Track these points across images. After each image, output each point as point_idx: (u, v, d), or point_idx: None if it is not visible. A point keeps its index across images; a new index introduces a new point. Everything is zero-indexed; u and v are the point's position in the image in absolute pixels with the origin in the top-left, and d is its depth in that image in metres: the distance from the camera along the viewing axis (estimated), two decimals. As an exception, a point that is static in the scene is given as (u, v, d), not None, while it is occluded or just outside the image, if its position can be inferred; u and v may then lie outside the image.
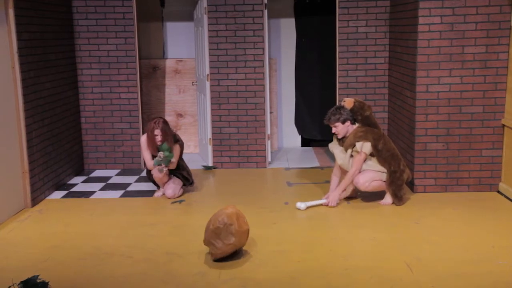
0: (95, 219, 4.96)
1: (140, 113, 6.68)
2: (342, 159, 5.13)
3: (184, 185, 5.60)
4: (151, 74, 7.45)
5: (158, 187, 5.65)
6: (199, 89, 7.04)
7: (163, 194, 5.57)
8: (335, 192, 5.14)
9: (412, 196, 5.45)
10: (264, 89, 6.64)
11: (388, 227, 4.61)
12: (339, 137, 5.16)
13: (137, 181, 6.17)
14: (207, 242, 3.91)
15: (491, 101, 5.34)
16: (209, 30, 6.51)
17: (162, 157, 5.26)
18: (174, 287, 3.60)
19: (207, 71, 6.59)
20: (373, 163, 5.08)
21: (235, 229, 3.85)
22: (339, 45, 6.50)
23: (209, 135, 6.72)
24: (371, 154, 5.06)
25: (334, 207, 5.09)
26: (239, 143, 6.68)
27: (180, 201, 5.40)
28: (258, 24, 6.50)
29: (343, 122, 5.06)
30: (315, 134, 7.74)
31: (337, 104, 5.17)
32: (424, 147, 5.46)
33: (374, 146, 5.00)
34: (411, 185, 5.61)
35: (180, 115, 7.51)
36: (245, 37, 6.53)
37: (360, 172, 5.06)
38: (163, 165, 5.29)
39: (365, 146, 4.99)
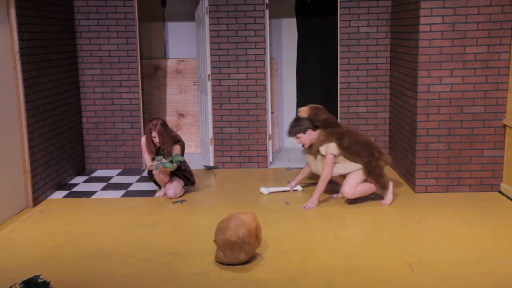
0: (96, 219, 4.96)
1: (142, 113, 6.68)
2: (314, 166, 5.26)
3: (185, 185, 5.61)
4: (153, 74, 7.45)
5: (160, 187, 5.66)
6: (201, 89, 7.04)
7: (165, 194, 5.57)
8: (313, 197, 5.15)
9: (413, 196, 5.45)
10: (266, 89, 6.64)
11: (389, 227, 4.61)
12: (306, 146, 5.26)
13: (138, 181, 6.17)
14: (218, 246, 3.85)
15: (492, 101, 5.34)
16: (210, 30, 6.51)
17: (163, 161, 5.26)
18: (175, 287, 3.60)
19: (209, 71, 6.59)
20: (349, 163, 5.12)
21: (249, 248, 3.82)
22: (340, 45, 6.50)
23: (211, 135, 6.73)
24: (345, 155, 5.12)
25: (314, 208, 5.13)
26: (240, 143, 6.68)
27: (181, 201, 5.40)
28: (259, 24, 6.50)
29: (304, 132, 5.17)
30: (316, 134, 7.73)
31: (296, 116, 5.33)
32: (426, 147, 5.46)
33: (340, 145, 5.05)
34: (412, 185, 5.61)
35: (181, 115, 7.51)
36: (247, 37, 6.53)
37: (331, 174, 5.13)
38: (160, 162, 5.27)
39: (330, 147, 5.05)
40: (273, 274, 3.74)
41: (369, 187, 5.15)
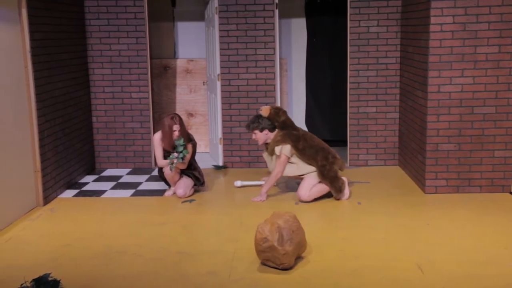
0: (106, 218, 4.98)
1: (151, 112, 6.70)
2: (270, 165, 5.43)
3: (195, 185, 5.61)
4: (162, 73, 7.47)
5: (169, 186, 5.67)
6: (210, 88, 7.05)
7: (174, 193, 5.58)
8: (262, 191, 5.37)
9: (423, 197, 5.43)
10: (275, 89, 6.64)
11: (398, 228, 4.59)
12: (259, 144, 5.46)
13: (148, 180, 6.19)
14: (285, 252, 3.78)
15: (503, 101, 5.30)
16: (220, 30, 6.51)
17: (176, 156, 5.28)
18: (184, 286, 3.61)
19: (218, 71, 6.60)
20: (304, 165, 5.28)
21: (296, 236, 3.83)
22: (350, 45, 6.48)
23: (220, 134, 6.73)
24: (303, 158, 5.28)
25: (263, 201, 5.33)
26: (249, 142, 6.68)
27: (191, 201, 5.41)
28: (269, 24, 6.50)
29: (261, 131, 5.34)
30: (325, 134, 7.71)
31: (257, 113, 5.52)
32: (436, 147, 5.43)
33: (295, 147, 5.22)
34: (422, 185, 5.58)
35: (191, 115, 7.52)
36: (256, 37, 6.53)
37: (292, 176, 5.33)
38: (174, 160, 5.29)
39: (284, 149, 5.22)
40: (282, 274, 3.74)
41: (323, 188, 5.31)
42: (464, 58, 5.26)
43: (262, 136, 5.37)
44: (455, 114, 5.36)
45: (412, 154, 5.97)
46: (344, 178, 5.41)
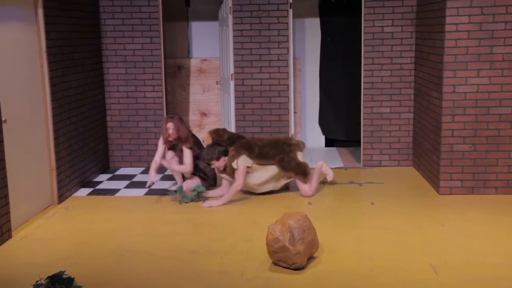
0: (120, 216, 5.01)
1: (165, 112, 6.73)
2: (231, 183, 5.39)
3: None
4: (176, 73, 7.49)
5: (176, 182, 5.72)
6: (223, 88, 7.06)
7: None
8: (220, 200, 5.24)
9: (438, 198, 5.39)
10: (288, 89, 6.63)
11: (413, 229, 4.56)
12: (221, 169, 5.40)
13: (161, 179, 6.22)
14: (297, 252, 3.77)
15: (520, 102, 5.24)
16: (233, 30, 6.52)
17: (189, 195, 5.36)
18: (197, 285, 3.61)
19: (232, 70, 6.61)
20: (265, 167, 5.31)
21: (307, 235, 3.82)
22: (364, 45, 6.45)
23: (233, 134, 6.74)
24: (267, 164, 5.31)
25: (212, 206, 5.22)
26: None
27: (204, 200, 5.40)
28: (282, 24, 6.49)
29: (218, 159, 5.33)
30: (339, 134, 7.70)
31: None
32: (451, 148, 5.38)
33: (251, 154, 5.25)
34: (436, 186, 5.54)
35: (204, 114, 7.54)
36: (270, 36, 6.52)
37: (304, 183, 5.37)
38: (181, 197, 5.36)
39: (240, 160, 5.23)
40: (295, 274, 3.73)
41: (317, 175, 5.43)
42: (480, 58, 5.21)
43: (221, 163, 5.34)
44: (471, 115, 5.31)
45: (426, 154, 5.92)
46: (320, 163, 5.49)
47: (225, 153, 5.34)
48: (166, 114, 6.82)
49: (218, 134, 5.38)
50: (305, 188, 5.37)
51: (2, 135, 4.37)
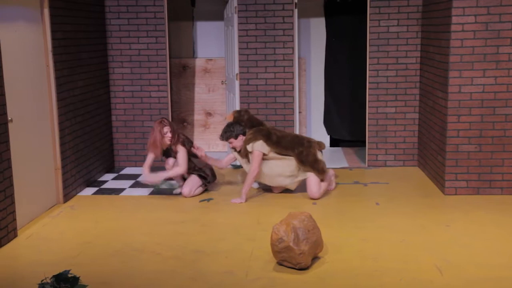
0: (125, 216, 5.02)
1: (170, 111, 6.74)
2: (246, 168, 5.42)
3: (204, 184, 5.61)
4: (181, 73, 7.50)
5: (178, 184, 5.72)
6: (229, 88, 7.07)
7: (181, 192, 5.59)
8: (242, 192, 5.31)
9: (443, 198, 5.37)
10: (293, 89, 6.63)
11: (418, 229, 4.55)
12: (237, 150, 5.44)
13: (165, 179, 6.21)
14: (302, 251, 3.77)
15: (526, 102, 5.22)
16: (239, 29, 6.52)
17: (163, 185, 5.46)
18: (202, 285, 3.62)
19: (237, 70, 6.61)
20: (283, 160, 5.29)
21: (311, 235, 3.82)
22: (369, 45, 6.44)
23: (238, 134, 6.74)
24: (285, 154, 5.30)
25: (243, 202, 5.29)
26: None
27: (208, 200, 5.43)
28: (288, 24, 6.49)
29: (236, 138, 5.37)
30: (344, 134, 7.69)
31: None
32: (456, 148, 5.37)
33: (268, 141, 5.23)
34: (442, 187, 5.52)
35: (209, 114, 7.55)
36: (275, 36, 6.52)
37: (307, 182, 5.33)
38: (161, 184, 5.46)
39: (256, 145, 5.24)
40: (300, 274, 3.73)
41: (327, 182, 5.45)
42: (486, 58, 5.19)
43: (238, 143, 5.37)
44: (476, 115, 5.29)
45: (431, 155, 5.91)
46: (331, 171, 5.53)
47: (244, 133, 5.35)
48: (171, 114, 6.83)
49: (239, 114, 5.41)
50: (314, 189, 5.30)
51: (8, 135, 4.39)
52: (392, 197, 5.43)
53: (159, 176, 5.37)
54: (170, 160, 5.52)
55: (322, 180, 5.37)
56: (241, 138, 5.37)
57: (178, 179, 5.60)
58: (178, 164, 5.40)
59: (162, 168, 6.35)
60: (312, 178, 5.32)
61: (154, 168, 6.67)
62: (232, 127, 5.37)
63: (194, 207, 5.26)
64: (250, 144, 5.26)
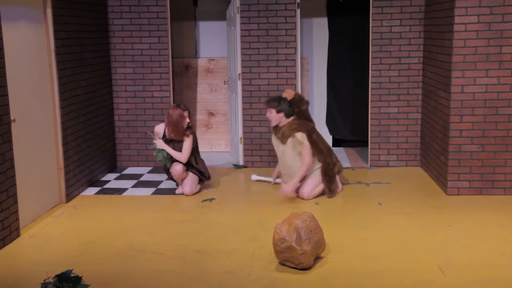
0: (127, 215, 5.03)
1: (172, 111, 6.74)
2: (278, 149, 5.44)
3: (201, 180, 5.62)
4: (184, 73, 7.51)
5: (177, 184, 5.70)
6: (231, 88, 7.07)
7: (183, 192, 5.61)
8: (291, 183, 5.25)
9: (445, 198, 5.36)
10: (296, 89, 6.62)
11: (420, 230, 4.54)
12: (272, 124, 5.44)
13: (168, 179, 6.22)
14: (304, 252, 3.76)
15: (529, 102, 5.21)
16: (241, 29, 6.52)
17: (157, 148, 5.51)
18: (203, 285, 3.62)
19: (239, 70, 6.61)
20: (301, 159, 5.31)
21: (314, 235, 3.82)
22: (372, 45, 6.43)
23: (240, 134, 6.74)
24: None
25: (288, 194, 5.29)
26: (269, 142, 6.67)
27: (211, 199, 5.43)
28: (290, 24, 6.49)
29: (278, 112, 5.33)
30: (346, 134, 7.68)
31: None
32: (459, 148, 5.36)
33: (309, 137, 5.25)
34: (444, 187, 5.51)
35: (211, 114, 7.55)
36: (277, 36, 6.52)
37: (303, 181, 5.33)
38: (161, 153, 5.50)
39: (304, 137, 5.26)
40: (301, 274, 3.73)
41: (322, 189, 5.42)
42: (488, 58, 5.18)
43: (276, 117, 5.36)
44: (479, 115, 5.28)
45: (434, 155, 5.90)
46: (339, 184, 5.57)
47: (287, 113, 5.33)
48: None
49: (300, 100, 5.34)
50: (307, 190, 5.31)
51: (10, 134, 4.40)
52: (394, 197, 5.42)
53: (164, 146, 5.42)
54: (178, 166, 5.49)
55: (328, 195, 5.39)
56: (281, 115, 5.33)
57: (178, 177, 5.59)
58: (182, 151, 5.43)
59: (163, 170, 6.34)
60: (311, 180, 5.34)
61: (158, 169, 6.69)
62: (283, 101, 5.34)
63: (196, 207, 5.26)
64: (300, 133, 5.22)
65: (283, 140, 5.34)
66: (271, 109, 5.36)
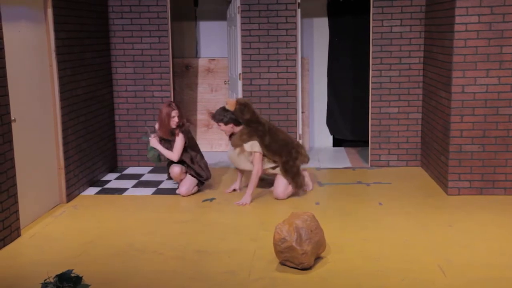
0: (127, 215, 5.03)
1: (173, 111, 6.74)
2: (233, 157, 5.49)
3: (199, 181, 5.61)
4: (184, 72, 7.51)
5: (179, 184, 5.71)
6: (231, 88, 7.07)
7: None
8: (247, 193, 5.31)
9: (446, 198, 5.36)
10: (296, 89, 6.62)
11: (420, 230, 4.54)
12: (226, 135, 5.50)
13: (168, 179, 6.22)
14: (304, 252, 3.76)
15: (529, 102, 5.21)
16: (242, 29, 6.52)
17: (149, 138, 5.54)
18: (204, 284, 3.62)
19: (240, 70, 6.61)
20: (268, 160, 5.35)
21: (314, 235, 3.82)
22: (372, 45, 6.43)
23: (241, 134, 6.74)
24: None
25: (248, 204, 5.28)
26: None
27: (211, 199, 5.43)
28: (291, 23, 6.49)
29: (226, 124, 5.35)
30: (346, 134, 7.68)
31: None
32: (459, 148, 5.36)
33: (261, 142, 5.25)
34: (444, 187, 5.51)
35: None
36: (278, 36, 6.52)
37: (277, 186, 5.37)
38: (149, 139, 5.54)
39: (254, 146, 5.26)
40: (301, 274, 3.73)
41: (293, 187, 5.40)
42: (489, 58, 5.18)
43: (227, 129, 5.39)
44: (480, 115, 5.28)
45: (434, 155, 5.90)
46: (305, 172, 5.58)
47: (235, 122, 5.34)
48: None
49: (241, 110, 5.28)
50: (280, 189, 5.33)
51: (11, 134, 4.40)
52: (395, 197, 5.42)
53: (156, 145, 5.46)
54: (175, 168, 5.49)
55: (293, 190, 5.41)
56: (231, 125, 5.36)
57: (176, 178, 5.58)
58: (174, 150, 5.44)
59: (166, 168, 6.33)
60: (281, 179, 5.36)
61: (159, 169, 6.69)
62: (227, 112, 5.35)
63: (196, 207, 5.26)
64: (249, 143, 5.26)
65: (234, 146, 5.39)
66: (219, 124, 5.38)
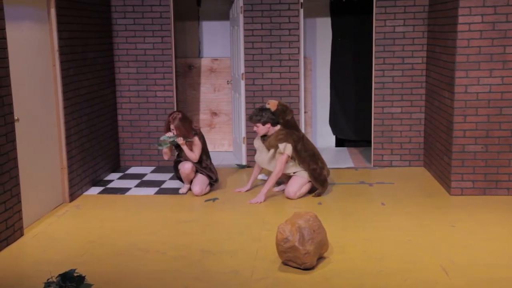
0: (130, 215, 5.04)
1: (176, 111, 6.74)
2: (260, 156, 5.45)
3: (210, 183, 5.62)
4: (187, 72, 7.51)
5: (183, 183, 5.71)
6: (234, 88, 7.07)
7: (189, 190, 5.62)
8: (261, 191, 5.34)
9: (449, 198, 5.35)
10: (299, 89, 6.62)
11: (423, 230, 4.53)
12: (259, 135, 5.46)
13: (171, 178, 6.23)
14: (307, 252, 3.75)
15: (533, 102, 5.19)
16: (244, 29, 6.52)
17: (168, 136, 5.46)
18: (207, 284, 3.62)
19: (242, 70, 6.61)
20: (294, 165, 5.38)
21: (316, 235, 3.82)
22: (375, 45, 6.42)
23: (243, 133, 6.74)
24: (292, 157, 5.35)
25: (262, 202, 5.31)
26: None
27: (214, 199, 5.43)
28: (293, 23, 6.49)
29: (264, 124, 5.33)
30: (349, 134, 7.67)
31: (261, 106, 5.53)
32: (462, 148, 5.35)
33: (294, 148, 5.27)
34: (447, 187, 5.50)
35: (214, 114, 7.55)
36: (281, 36, 6.52)
37: (288, 180, 5.42)
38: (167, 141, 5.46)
39: (287, 148, 5.26)
40: (304, 274, 3.73)
41: (309, 187, 5.46)
42: (492, 58, 5.17)
43: (263, 130, 5.36)
44: (483, 115, 5.27)
45: (437, 155, 5.89)
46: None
47: (273, 123, 5.33)
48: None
49: (283, 111, 5.31)
50: (293, 189, 5.34)
51: (14, 134, 4.41)
52: (397, 197, 5.41)
53: (182, 144, 5.44)
54: (187, 164, 5.51)
55: (319, 195, 5.44)
56: (268, 126, 5.33)
57: (186, 181, 5.60)
58: (193, 151, 5.48)
59: (170, 168, 6.34)
60: (297, 179, 5.37)
61: (162, 168, 6.69)
62: (264, 112, 5.32)
63: (199, 207, 5.26)
64: (283, 144, 5.25)
65: (269, 148, 5.36)
66: (256, 124, 5.36)
